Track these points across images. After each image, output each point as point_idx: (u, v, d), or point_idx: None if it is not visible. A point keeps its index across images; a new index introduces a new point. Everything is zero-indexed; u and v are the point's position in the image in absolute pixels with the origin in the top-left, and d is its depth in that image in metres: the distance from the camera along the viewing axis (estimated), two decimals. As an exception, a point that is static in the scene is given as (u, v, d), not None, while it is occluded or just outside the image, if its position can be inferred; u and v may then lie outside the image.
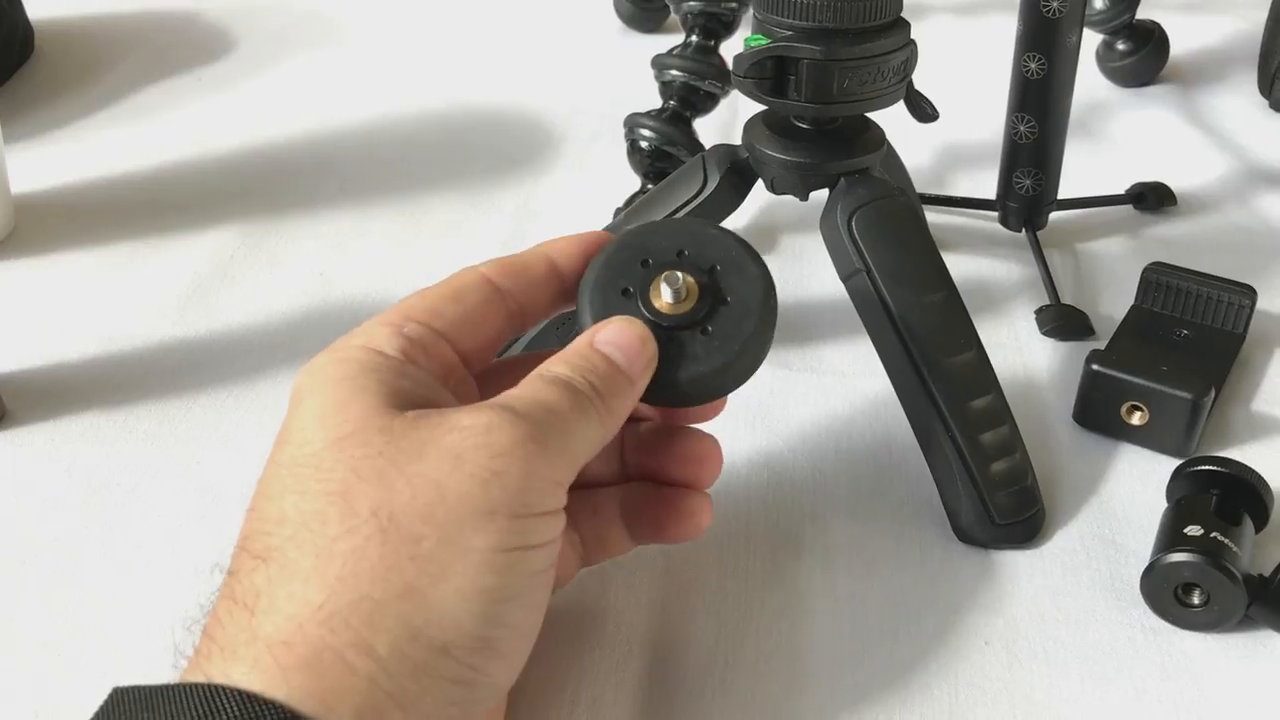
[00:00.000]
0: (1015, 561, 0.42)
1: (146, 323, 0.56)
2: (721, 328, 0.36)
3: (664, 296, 0.36)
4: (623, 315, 0.35)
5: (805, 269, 0.60)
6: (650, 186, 0.60)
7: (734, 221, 0.64)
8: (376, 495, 0.29)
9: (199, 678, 0.27)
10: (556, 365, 0.34)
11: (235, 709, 0.26)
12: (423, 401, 0.32)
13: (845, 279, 0.44)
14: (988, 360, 0.43)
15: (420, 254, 0.62)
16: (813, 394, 0.51)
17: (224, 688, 0.26)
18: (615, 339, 0.35)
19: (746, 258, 0.37)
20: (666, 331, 0.35)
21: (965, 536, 0.43)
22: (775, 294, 0.37)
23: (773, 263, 0.61)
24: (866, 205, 0.43)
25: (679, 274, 0.36)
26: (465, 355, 0.35)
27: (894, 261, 0.43)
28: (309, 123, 0.77)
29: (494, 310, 0.36)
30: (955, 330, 0.43)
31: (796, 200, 0.46)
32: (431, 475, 0.29)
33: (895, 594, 0.41)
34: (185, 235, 0.64)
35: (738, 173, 0.47)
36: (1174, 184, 0.66)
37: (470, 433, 0.30)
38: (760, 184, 0.47)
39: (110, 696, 0.28)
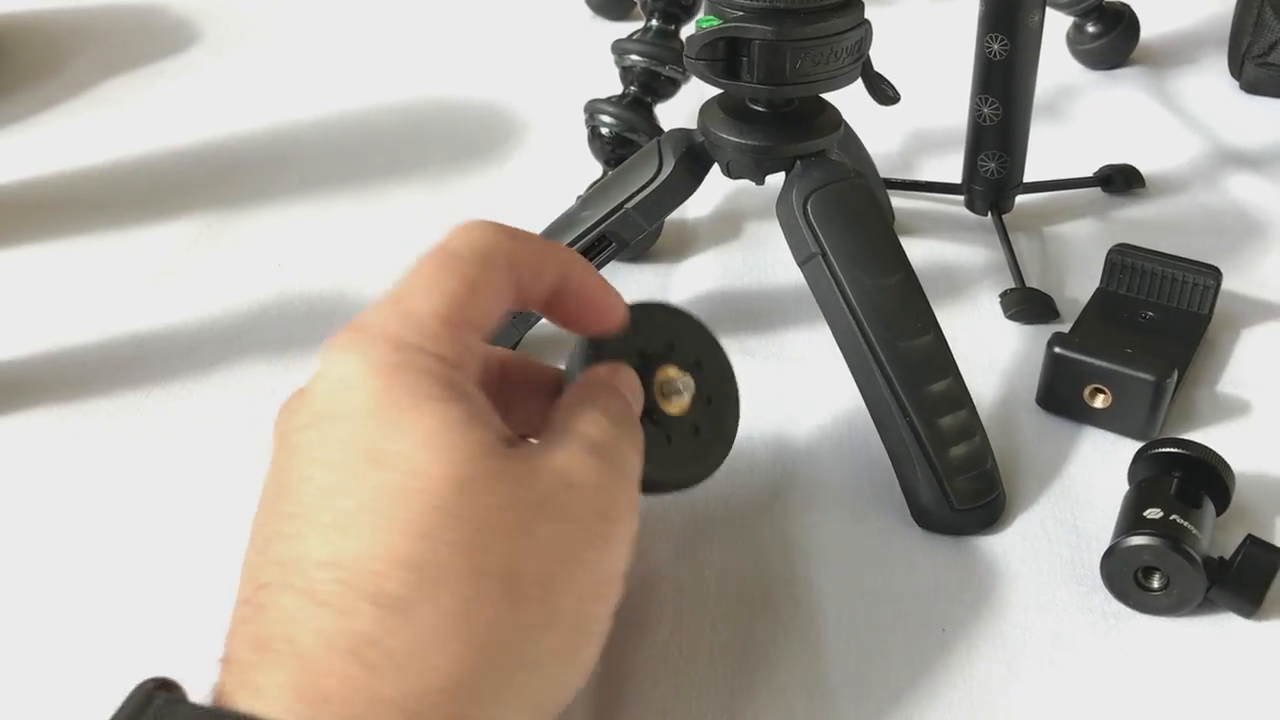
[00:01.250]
0: (975, 547, 0.42)
1: (100, 316, 0.55)
2: (709, 429, 0.37)
3: (675, 400, 0.37)
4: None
5: (768, 256, 0.59)
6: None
7: (699, 209, 0.64)
8: (508, 557, 0.27)
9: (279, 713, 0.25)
10: (593, 431, 0.31)
11: None
12: (499, 426, 0.30)
13: (801, 263, 0.43)
14: (945, 343, 0.42)
15: (381, 245, 0.61)
16: (774, 380, 0.50)
17: None
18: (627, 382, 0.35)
19: (720, 352, 0.39)
20: (664, 430, 0.36)
21: (925, 522, 0.42)
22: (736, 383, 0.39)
23: (736, 249, 0.61)
24: (822, 188, 0.43)
25: (684, 378, 0.37)
26: None
27: (850, 244, 0.42)
28: (270, 115, 0.76)
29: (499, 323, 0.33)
30: (912, 313, 0.42)
31: (761, 190, 0.45)
32: (555, 536, 0.28)
33: (853, 580, 0.40)
34: (143, 227, 0.63)
35: (693, 157, 0.46)
36: (1143, 166, 0.66)
37: (584, 492, 0.30)
38: (718, 169, 0.47)
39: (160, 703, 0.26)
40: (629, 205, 0.46)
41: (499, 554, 0.27)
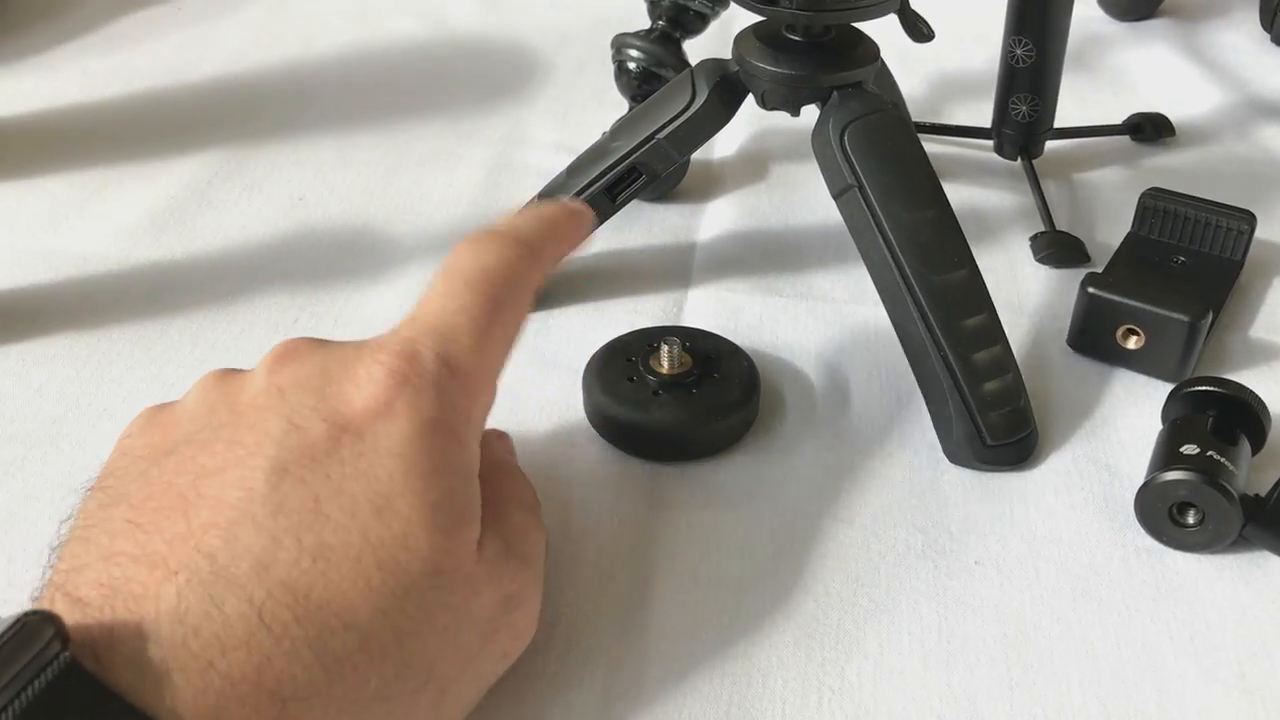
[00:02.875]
0: (1007, 484, 0.41)
1: (121, 246, 0.55)
2: (707, 392, 0.42)
3: (663, 360, 0.42)
4: None
5: (796, 197, 0.59)
6: (638, 111, 0.59)
7: (724, 150, 0.63)
8: (437, 659, 0.29)
9: None
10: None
11: None
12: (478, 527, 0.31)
13: (837, 195, 0.43)
14: (981, 278, 0.42)
15: (403, 181, 0.61)
16: (803, 319, 0.50)
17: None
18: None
19: (740, 352, 0.45)
20: (655, 389, 0.42)
21: (956, 458, 0.42)
22: (760, 383, 0.44)
23: (763, 191, 0.60)
24: (860, 119, 0.42)
25: (676, 345, 0.43)
26: None
27: (887, 177, 0.42)
28: (289, 51, 0.75)
29: None
30: (948, 247, 0.41)
31: (788, 129, 0.45)
32: (473, 648, 0.30)
33: (883, 514, 0.40)
34: (161, 161, 0.62)
35: (727, 87, 0.45)
36: (1173, 116, 0.65)
37: (517, 632, 0.32)
38: (750, 104, 0.46)
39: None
40: (660, 136, 0.45)
41: (428, 656, 0.29)
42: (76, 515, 0.29)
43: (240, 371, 0.33)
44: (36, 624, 0.24)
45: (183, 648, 0.25)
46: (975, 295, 0.42)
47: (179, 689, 0.25)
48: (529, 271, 0.34)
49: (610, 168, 0.46)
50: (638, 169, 0.46)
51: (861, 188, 0.41)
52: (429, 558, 0.28)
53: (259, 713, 0.25)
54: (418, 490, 0.29)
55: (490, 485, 0.32)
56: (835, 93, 0.43)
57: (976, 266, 0.42)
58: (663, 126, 0.45)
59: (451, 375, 0.31)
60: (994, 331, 0.42)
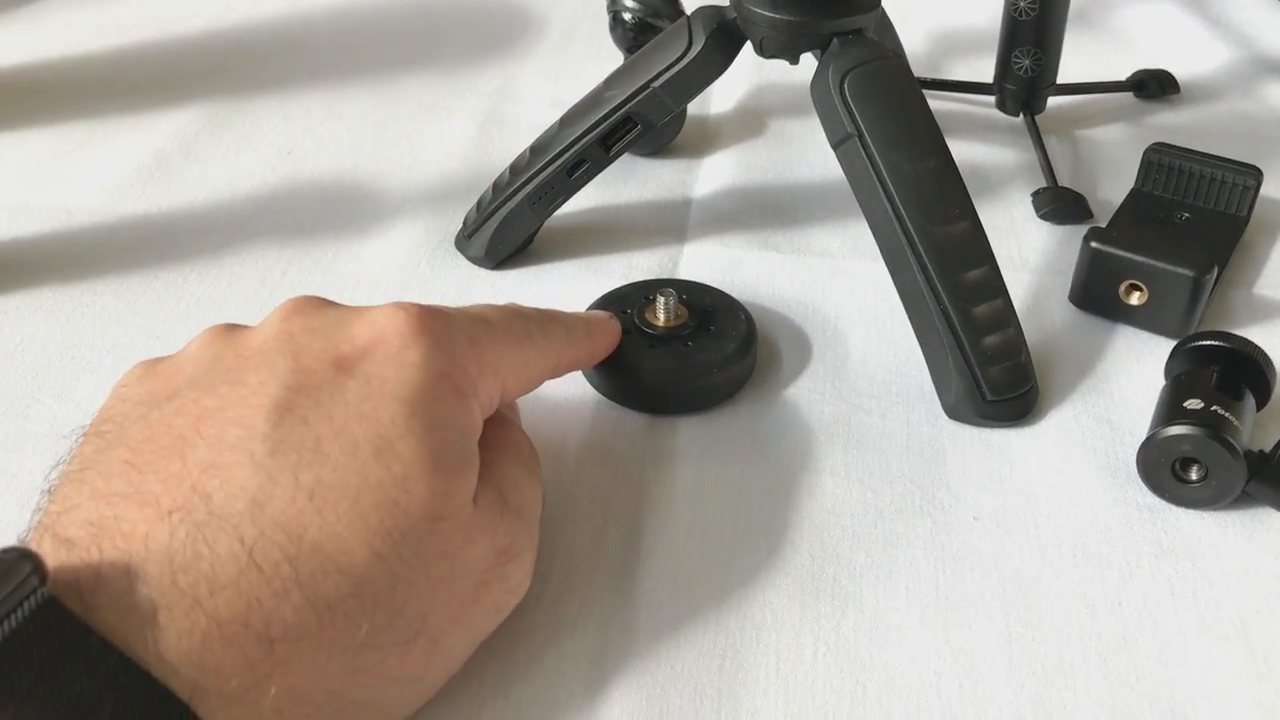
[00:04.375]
0: (1006, 439, 0.41)
1: (106, 200, 0.54)
2: (701, 345, 0.42)
3: (659, 312, 0.42)
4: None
5: (793, 152, 0.58)
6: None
7: (720, 105, 0.62)
8: (430, 610, 0.28)
9: None
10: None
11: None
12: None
13: (836, 145, 0.42)
14: (982, 231, 0.41)
15: (393, 135, 0.60)
16: (799, 275, 0.49)
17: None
18: None
19: (738, 305, 0.44)
20: (651, 340, 0.41)
21: (955, 413, 0.41)
22: (757, 337, 0.43)
23: (760, 146, 0.59)
24: (860, 67, 0.41)
25: (673, 298, 0.42)
26: None
27: (888, 125, 0.41)
28: (279, 4, 0.74)
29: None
30: (949, 198, 0.41)
31: (784, 84, 0.44)
32: (466, 600, 0.29)
33: (880, 470, 0.39)
34: (148, 115, 0.61)
35: (724, 34, 0.44)
36: (1177, 73, 0.64)
37: (511, 586, 0.31)
38: (748, 58, 0.45)
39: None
40: (656, 84, 0.44)
41: (421, 603, 0.28)
42: (71, 459, 0.29)
43: (245, 326, 0.32)
44: (13, 561, 0.23)
45: (171, 586, 0.25)
46: (976, 248, 0.41)
47: (163, 629, 0.24)
48: (565, 344, 0.37)
49: (604, 117, 0.45)
50: (633, 119, 0.45)
51: (861, 137, 0.40)
52: (428, 502, 0.28)
53: (245, 655, 0.25)
54: (419, 435, 0.28)
55: (489, 438, 0.32)
56: (835, 40, 0.42)
57: (978, 219, 0.41)
58: (659, 74, 0.44)
59: (471, 346, 0.31)
60: (995, 285, 0.41)
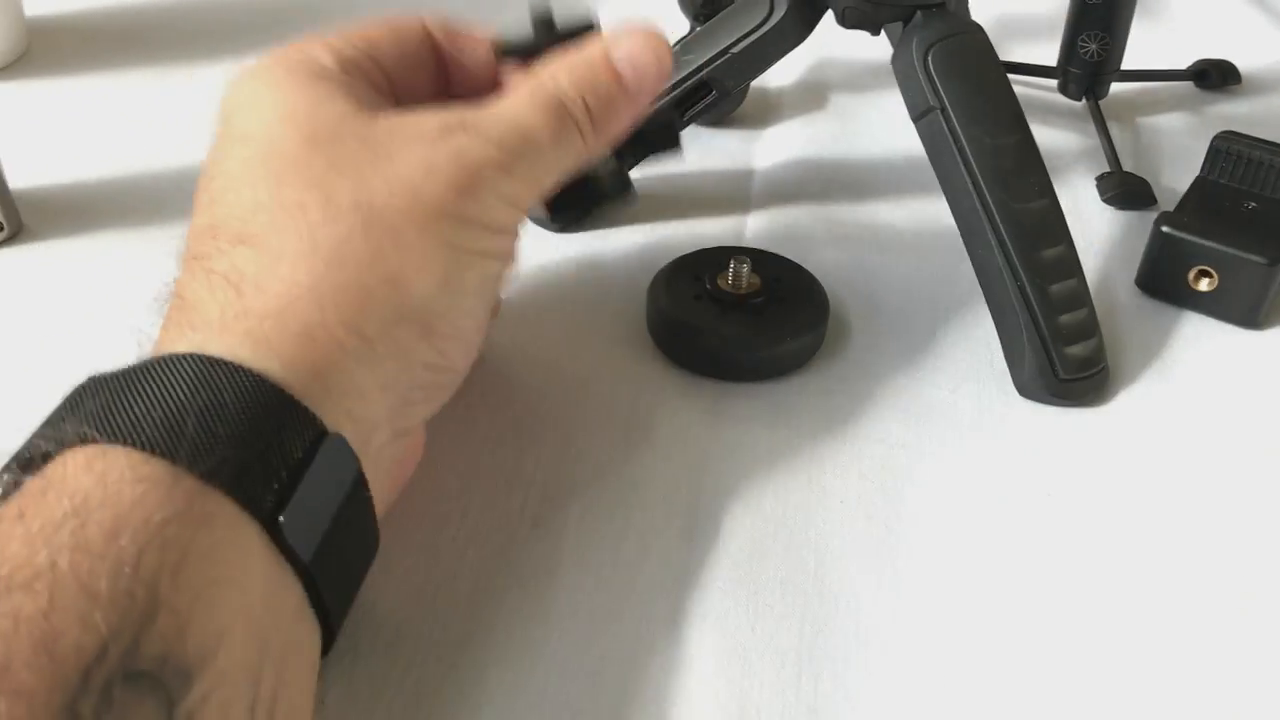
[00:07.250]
0: (1077, 418, 0.41)
1: (169, 145, 0.53)
2: (774, 313, 0.42)
3: (730, 278, 0.42)
4: (645, 30, 0.34)
5: (856, 127, 0.58)
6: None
7: (781, 79, 0.62)
8: (357, 190, 0.29)
9: (183, 348, 0.26)
10: (560, 77, 0.32)
11: (227, 379, 0.25)
12: (370, 101, 0.31)
13: (917, 118, 0.41)
14: (1060, 210, 0.41)
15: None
16: (867, 246, 0.49)
17: (219, 359, 0.26)
18: (633, 56, 0.33)
19: (808, 274, 0.44)
20: (724, 306, 0.41)
21: (1027, 391, 0.41)
22: (829, 310, 0.43)
23: (822, 120, 0.59)
24: (944, 40, 0.41)
25: (747, 264, 0.42)
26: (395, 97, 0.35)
27: (971, 100, 0.40)
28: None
29: (426, 67, 0.36)
30: (1030, 175, 0.41)
31: (845, 61, 0.44)
32: (407, 178, 0.29)
33: (950, 444, 0.39)
34: (211, 63, 0.61)
35: (807, 3, 0.44)
36: (1239, 64, 0.63)
37: (444, 150, 0.30)
38: (823, 28, 0.45)
39: (85, 381, 0.26)
40: (735, 50, 0.44)
41: (347, 190, 0.28)
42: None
43: None
44: None
45: None
46: (1055, 225, 0.41)
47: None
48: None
49: (681, 81, 0.45)
50: (709, 84, 0.45)
51: (944, 110, 0.40)
52: (301, 134, 0.30)
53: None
54: (261, 106, 0.31)
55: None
56: (919, 12, 0.42)
57: (1056, 197, 0.41)
58: (738, 40, 0.44)
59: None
60: (1072, 263, 0.41)
